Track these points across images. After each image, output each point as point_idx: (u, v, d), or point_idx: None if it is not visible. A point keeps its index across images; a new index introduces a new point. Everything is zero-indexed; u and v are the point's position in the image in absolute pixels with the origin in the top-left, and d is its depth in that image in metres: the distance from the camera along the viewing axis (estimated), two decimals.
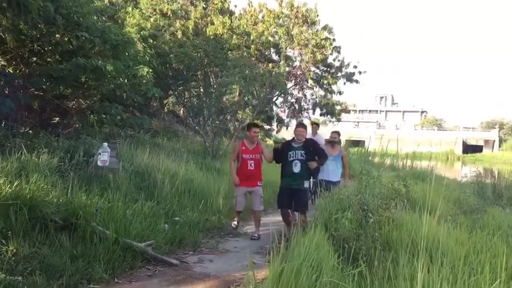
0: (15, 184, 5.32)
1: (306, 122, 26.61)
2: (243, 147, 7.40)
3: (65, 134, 9.06)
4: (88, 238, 5.22)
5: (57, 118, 10.26)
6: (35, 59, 9.25)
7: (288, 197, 6.93)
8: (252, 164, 7.31)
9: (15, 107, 8.36)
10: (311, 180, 8.21)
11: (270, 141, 20.61)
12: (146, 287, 4.66)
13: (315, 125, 10.89)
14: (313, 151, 7.06)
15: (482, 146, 64.15)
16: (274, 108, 24.15)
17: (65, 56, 9.21)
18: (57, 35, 8.73)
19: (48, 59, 9.46)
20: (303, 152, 6.95)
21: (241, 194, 7.43)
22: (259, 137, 9.36)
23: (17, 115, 8.75)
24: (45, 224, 5.19)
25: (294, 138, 7.18)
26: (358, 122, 76.11)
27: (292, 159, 6.92)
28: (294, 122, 24.66)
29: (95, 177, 7.00)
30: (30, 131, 8.68)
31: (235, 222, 7.52)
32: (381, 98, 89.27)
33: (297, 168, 6.86)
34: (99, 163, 7.16)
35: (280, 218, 7.28)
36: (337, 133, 9.04)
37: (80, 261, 4.81)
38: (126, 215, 5.97)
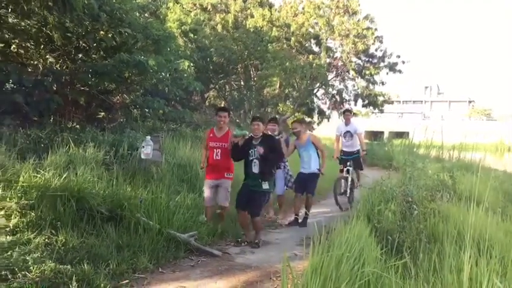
0: (63, 177, 5.52)
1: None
2: (211, 135, 6.57)
3: (110, 128, 9.30)
4: (133, 229, 5.35)
5: (103, 113, 10.56)
6: (80, 55, 9.53)
7: (245, 198, 6.12)
8: (219, 154, 6.40)
9: (63, 103, 8.67)
10: (288, 173, 7.80)
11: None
12: (189, 277, 4.72)
13: (348, 112, 9.96)
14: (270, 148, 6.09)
15: None
16: (315, 100, 23.97)
17: (109, 52, 9.44)
18: (101, 32, 8.96)
19: (93, 56, 9.73)
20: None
21: (207, 187, 6.52)
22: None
23: (65, 110, 9.06)
24: (92, 215, 5.36)
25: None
26: (402, 113, 74.33)
27: (251, 158, 6.13)
28: (335, 114, 24.42)
29: (138, 169, 7.17)
30: (77, 126, 8.95)
31: (203, 216, 6.53)
32: (426, 87, 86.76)
33: (256, 167, 6.07)
34: (142, 156, 7.31)
35: (326, 209, 7.17)
36: (298, 122, 7.90)
37: (126, 251, 4.94)
38: (169, 206, 6.07)
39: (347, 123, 9.55)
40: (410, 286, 3.36)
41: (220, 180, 6.43)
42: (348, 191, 8.96)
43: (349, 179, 8.98)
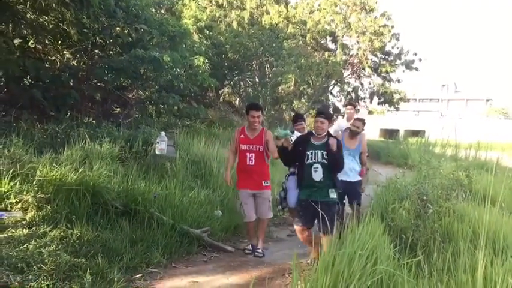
0: (79, 171, 5.59)
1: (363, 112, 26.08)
2: (241, 136, 5.62)
3: (125, 123, 9.38)
4: (146, 224, 5.40)
5: (118, 108, 10.65)
6: (97, 51, 9.62)
7: (309, 212, 4.80)
8: (252, 158, 5.49)
9: (79, 98, 8.77)
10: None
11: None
12: (202, 272, 4.75)
13: (350, 106, 8.30)
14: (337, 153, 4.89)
15: None
16: (330, 97, 23.85)
17: (125, 48, 9.52)
18: (117, 28, 9.03)
19: (109, 52, 9.82)
20: (324, 152, 4.85)
21: (245, 198, 5.58)
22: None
23: (81, 106, 9.17)
24: (106, 209, 5.42)
25: (312, 131, 5.12)
26: (418, 111, 73.58)
27: (311, 161, 4.88)
28: (364, 111, 24.22)
29: (153, 165, 7.22)
30: (93, 121, 9.04)
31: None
32: (443, 85, 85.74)
33: (317, 174, 4.82)
34: (157, 152, 7.35)
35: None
36: (362, 121, 6.58)
37: (139, 245, 5.00)
38: (183, 202, 6.12)
39: (349, 119, 7.92)
40: (424, 285, 3.34)
41: (259, 191, 5.54)
42: None
43: None
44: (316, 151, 4.84)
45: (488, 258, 3.45)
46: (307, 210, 4.79)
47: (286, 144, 5.03)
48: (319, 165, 4.79)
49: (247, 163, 5.50)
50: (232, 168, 5.72)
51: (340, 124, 8.26)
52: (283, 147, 5.02)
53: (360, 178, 6.39)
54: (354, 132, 6.36)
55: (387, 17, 21.07)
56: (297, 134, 5.98)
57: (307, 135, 5.12)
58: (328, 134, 4.97)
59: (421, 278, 3.47)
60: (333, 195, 4.83)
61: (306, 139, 5.02)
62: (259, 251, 5.50)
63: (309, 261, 5.04)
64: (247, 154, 5.50)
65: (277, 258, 5.36)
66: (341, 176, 5.62)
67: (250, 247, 5.60)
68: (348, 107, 8.23)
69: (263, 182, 5.53)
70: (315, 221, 4.86)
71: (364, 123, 6.47)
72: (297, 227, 4.96)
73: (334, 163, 4.83)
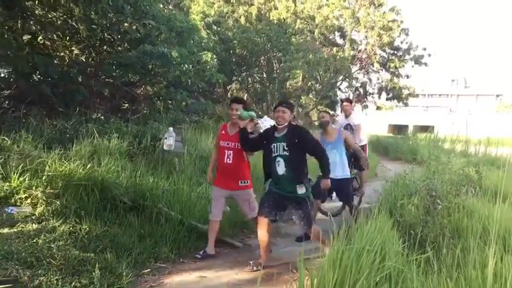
0: (88, 166, 5.63)
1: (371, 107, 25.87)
2: (222, 132, 5.29)
3: (134, 119, 9.42)
4: (155, 219, 5.42)
5: (126, 104, 10.70)
6: (105, 47, 9.65)
7: (274, 204, 4.73)
8: (230, 156, 5.11)
9: (88, 94, 8.82)
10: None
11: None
12: (210, 267, 4.76)
13: (347, 102, 7.90)
14: (299, 144, 4.65)
15: None
16: (339, 93, 23.75)
17: (133, 44, 9.54)
18: (125, 24, 9.05)
19: (118, 47, 9.85)
20: (284, 144, 4.63)
21: (215, 195, 5.25)
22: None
23: (90, 101, 9.21)
24: (115, 204, 5.45)
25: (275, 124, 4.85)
26: (428, 107, 73.10)
27: (274, 154, 4.68)
28: (359, 107, 24.14)
29: (161, 160, 7.25)
30: (102, 117, 9.10)
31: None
32: (452, 81, 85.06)
33: (280, 168, 4.62)
34: (165, 147, 7.37)
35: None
36: (326, 112, 6.38)
37: (148, 240, 5.01)
38: (191, 197, 6.13)
39: (347, 114, 7.79)
40: (433, 281, 3.32)
41: (235, 191, 5.20)
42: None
43: None
44: (278, 144, 4.66)
45: (498, 255, 3.42)
46: (273, 202, 4.72)
47: (252, 128, 4.91)
48: (280, 158, 4.62)
49: (225, 161, 5.16)
50: (215, 166, 5.44)
51: (339, 121, 8.07)
52: (246, 129, 4.86)
53: (348, 175, 6.11)
54: (321, 125, 6.14)
55: (396, 11, 20.92)
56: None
57: (272, 128, 4.87)
58: (289, 125, 4.73)
59: (430, 274, 3.45)
60: (301, 190, 4.60)
61: (271, 132, 4.81)
62: (200, 253, 5.09)
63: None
64: (226, 151, 5.17)
65: (286, 254, 5.35)
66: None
67: (202, 252, 5.13)
68: (345, 103, 7.89)
69: (240, 181, 5.15)
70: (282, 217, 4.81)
71: (332, 115, 6.20)
72: (259, 218, 4.77)
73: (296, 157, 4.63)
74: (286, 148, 4.60)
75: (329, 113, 6.49)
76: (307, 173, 4.80)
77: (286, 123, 4.70)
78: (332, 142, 6.05)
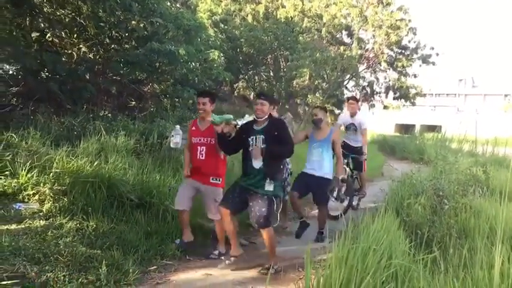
0: (95, 164, 5.66)
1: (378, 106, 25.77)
2: (193, 128, 5.15)
3: (141, 117, 9.43)
4: (161, 216, 5.45)
5: (134, 102, 10.72)
6: (113, 45, 9.67)
7: (237, 198, 4.60)
8: (203, 152, 4.95)
9: (95, 91, 8.84)
10: (287, 177, 6.15)
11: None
12: (216, 264, 4.76)
13: (352, 100, 7.75)
14: (278, 136, 4.51)
15: None
16: (345, 92, 23.68)
17: (140, 42, 9.55)
18: (133, 22, 9.07)
19: (125, 45, 9.86)
20: (263, 137, 4.50)
21: (184, 186, 5.12)
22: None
23: (97, 99, 9.24)
24: (122, 201, 5.48)
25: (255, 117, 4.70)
26: (435, 106, 72.71)
27: (252, 147, 4.51)
28: (365, 106, 24.07)
29: (167, 158, 7.26)
30: (109, 114, 9.12)
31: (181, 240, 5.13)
32: (460, 80, 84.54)
33: (257, 162, 4.41)
34: (171, 145, 7.33)
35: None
36: (323, 109, 6.22)
37: (154, 237, 5.03)
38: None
39: (352, 114, 7.62)
40: (440, 281, 3.30)
41: (205, 185, 4.98)
42: (344, 196, 6.95)
43: (347, 181, 7.14)
44: (258, 136, 4.49)
45: (505, 255, 3.40)
46: (237, 195, 4.58)
47: (229, 130, 4.68)
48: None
49: (198, 157, 4.99)
50: (190, 165, 5.18)
51: (343, 119, 7.97)
52: (222, 134, 4.59)
53: (329, 176, 5.85)
54: (315, 122, 6.00)
55: (404, 10, 20.84)
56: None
57: (251, 122, 4.72)
58: (270, 117, 4.63)
59: (436, 273, 3.43)
60: (269, 187, 4.42)
61: (250, 125, 4.66)
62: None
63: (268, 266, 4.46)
64: (198, 148, 4.99)
65: (291, 252, 5.35)
66: (307, 169, 5.83)
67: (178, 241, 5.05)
68: (351, 101, 7.71)
69: (211, 178, 4.95)
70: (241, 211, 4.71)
71: (326, 111, 6.19)
72: (220, 208, 4.60)
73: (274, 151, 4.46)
74: (264, 141, 4.47)
75: (325, 109, 6.29)
76: (284, 172, 4.74)
77: (267, 116, 4.60)
78: (320, 140, 5.92)
